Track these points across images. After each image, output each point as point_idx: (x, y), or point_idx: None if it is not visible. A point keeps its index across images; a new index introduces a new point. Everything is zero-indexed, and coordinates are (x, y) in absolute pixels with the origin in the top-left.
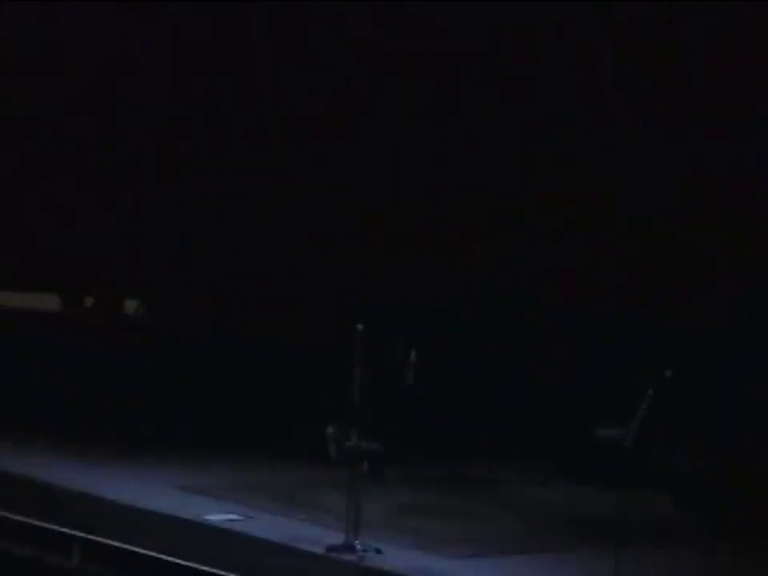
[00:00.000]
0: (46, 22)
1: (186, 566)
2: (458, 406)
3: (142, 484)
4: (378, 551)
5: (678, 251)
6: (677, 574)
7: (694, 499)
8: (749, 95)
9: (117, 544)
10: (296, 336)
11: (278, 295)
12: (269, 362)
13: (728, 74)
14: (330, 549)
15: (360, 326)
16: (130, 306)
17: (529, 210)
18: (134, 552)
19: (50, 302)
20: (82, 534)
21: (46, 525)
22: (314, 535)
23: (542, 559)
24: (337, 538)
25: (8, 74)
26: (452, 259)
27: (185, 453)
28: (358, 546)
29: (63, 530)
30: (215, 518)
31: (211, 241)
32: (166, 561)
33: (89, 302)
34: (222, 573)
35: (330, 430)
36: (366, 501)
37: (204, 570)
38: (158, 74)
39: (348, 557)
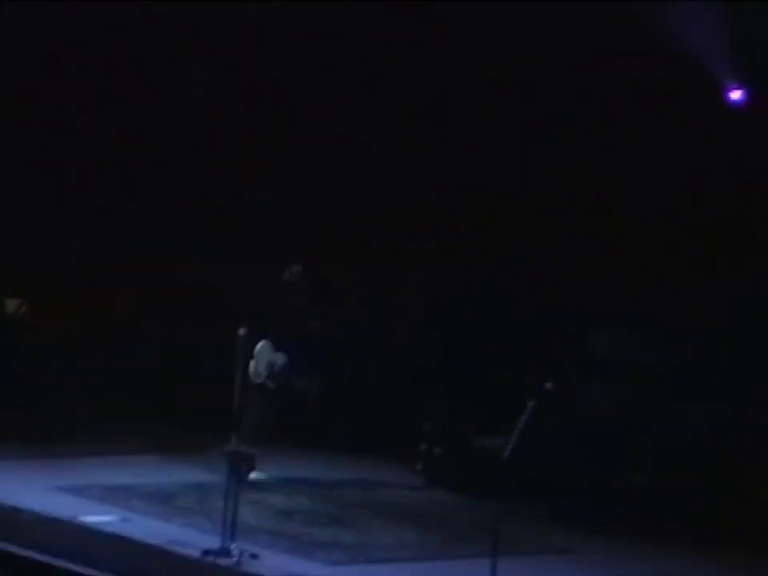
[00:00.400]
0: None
1: (61, 567)
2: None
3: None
4: (254, 556)
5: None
6: None
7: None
8: None
9: None
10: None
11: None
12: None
13: None
14: (206, 553)
15: (242, 330)
16: (11, 305)
17: None
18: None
19: None
20: None
21: None
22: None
23: (416, 567)
24: (213, 543)
25: None
26: None
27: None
28: (234, 551)
29: None
30: (92, 519)
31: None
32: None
33: None
34: (97, 574)
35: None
36: (245, 504)
37: (79, 572)
38: None
39: (224, 561)
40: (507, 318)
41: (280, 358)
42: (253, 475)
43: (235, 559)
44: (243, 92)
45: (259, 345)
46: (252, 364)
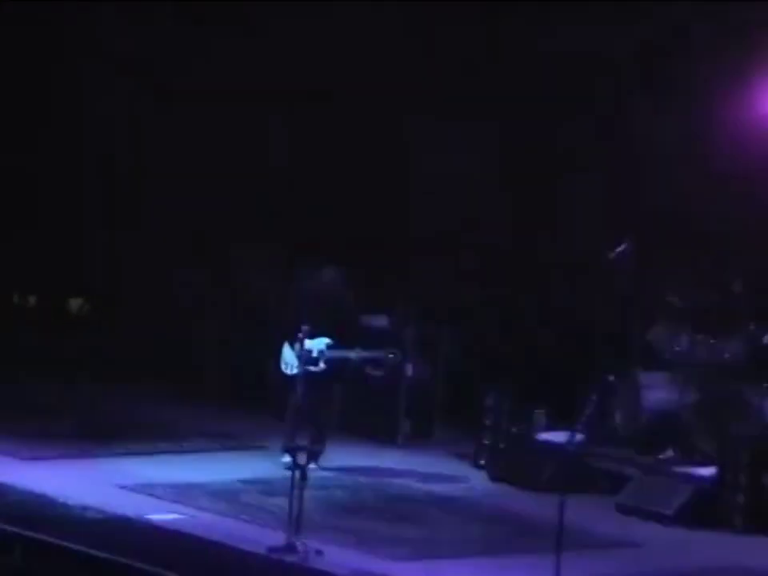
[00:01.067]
0: None
1: (127, 564)
2: None
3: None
4: (319, 552)
5: None
6: None
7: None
8: None
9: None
10: None
11: None
12: None
13: None
14: (272, 550)
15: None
16: (75, 304)
17: None
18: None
19: None
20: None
21: None
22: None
23: (481, 563)
24: (278, 539)
25: None
26: None
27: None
28: (299, 547)
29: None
30: (158, 517)
31: None
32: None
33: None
34: (162, 572)
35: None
36: (309, 500)
37: (146, 570)
38: None
39: (289, 557)
40: (571, 311)
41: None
42: (312, 466)
43: (300, 555)
44: None
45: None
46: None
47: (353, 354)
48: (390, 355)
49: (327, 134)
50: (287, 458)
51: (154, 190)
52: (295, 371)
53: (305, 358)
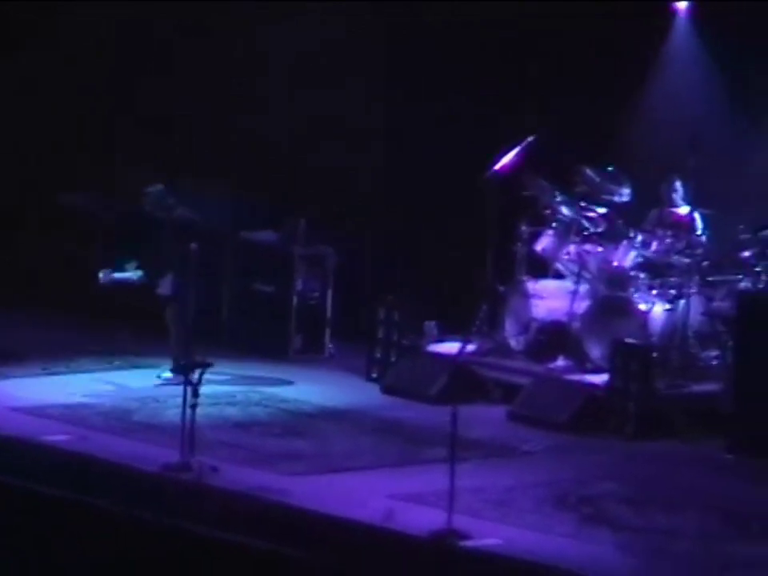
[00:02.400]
0: None
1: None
2: None
3: None
4: (214, 469)
5: None
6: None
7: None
8: None
9: None
10: None
11: None
12: None
13: None
14: (166, 468)
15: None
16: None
17: None
18: None
19: None
20: None
21: None
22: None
23: (375, 474)
24: (173, 457)
25: None
26: None
27: None
28: (194, 465)
29: None
30: (51, 438)
31: None
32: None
33: None
34: (56, 492)
35: None
36: (201, 417)
37: (38, 491)
38: None
39: (184, 475)
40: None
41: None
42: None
43: (195, 473)
44: None
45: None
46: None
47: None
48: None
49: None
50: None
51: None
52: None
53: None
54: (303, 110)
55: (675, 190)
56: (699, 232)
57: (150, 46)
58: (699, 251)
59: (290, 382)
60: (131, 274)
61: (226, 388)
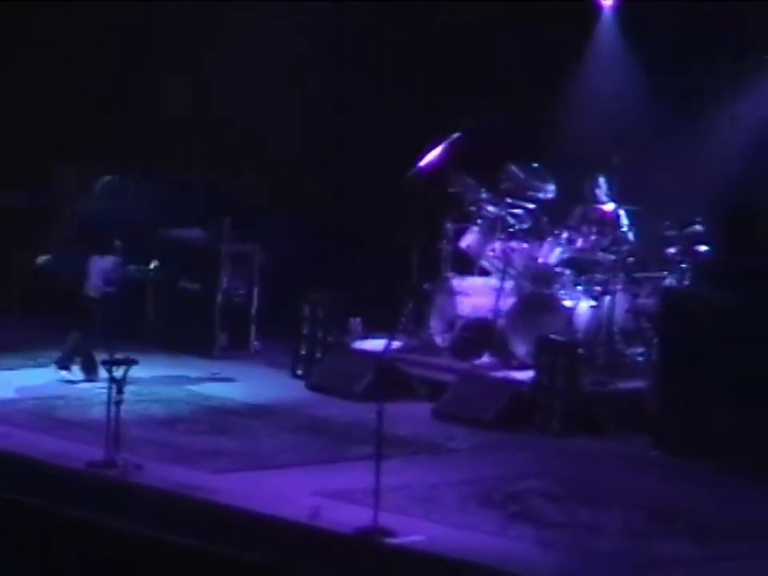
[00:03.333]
0: None
1: None
2: None
3: None
4: (139, 467)
5: None
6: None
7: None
8: None
9: None
10: None
11: None
12: None
13: None
14: (91, 465)
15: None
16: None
17: None
18: None
19: None
20: None
21: None
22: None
23: (299, 472)
24: (97, 454)
25: None
26: None
27: None
28: (119, 462)
29: None
30: None
31: None
32: None
33: None
34: None
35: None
36: (126, 414)
37: None
38: None
39: (109, 472)
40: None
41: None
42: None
43: (120, 470)
44: None
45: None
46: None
47: None
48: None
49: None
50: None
51: None
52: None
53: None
54: (227, 109)
55: (599, 187)
56: (624, 229)
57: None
58: (624, 248)
59: (215, 380)
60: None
61: (151, 385)
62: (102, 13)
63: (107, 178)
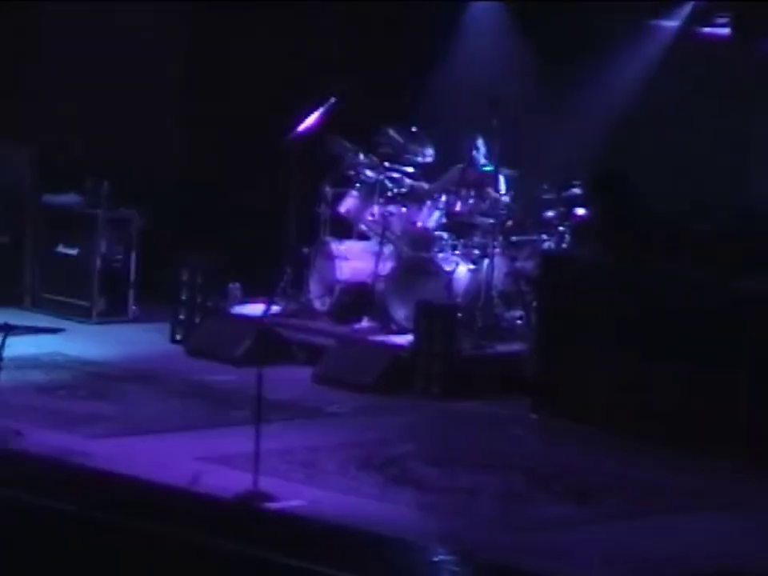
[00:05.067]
0: None
1: None
2: None
3: None
4: (18, 433)
5: None
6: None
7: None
8: None
9: None
10: None
11: None
12: None
13: None
14: None
15: None
16: None
17: None
18: None
19: None
20: None
21: None
22: None
23: (180, 437)
24: None
25: None
26: None
27: None
28: None
29: None
30: None
31: None
32: None
33: None
34: None
35: None
36: (4, 381)
37: None
38: None
39: None
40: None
41: None
42: None
43: None
44: None
45: None
46: None
47: None
48: None
49: None
50: None
51: None
52: None
53: None
54: (104, 67)
55: (477, 149)
56: (503, 191)
57: None
58: (503, 211)
59: (94, 345)
60: None
61: (31, 351)
62: None
63: None
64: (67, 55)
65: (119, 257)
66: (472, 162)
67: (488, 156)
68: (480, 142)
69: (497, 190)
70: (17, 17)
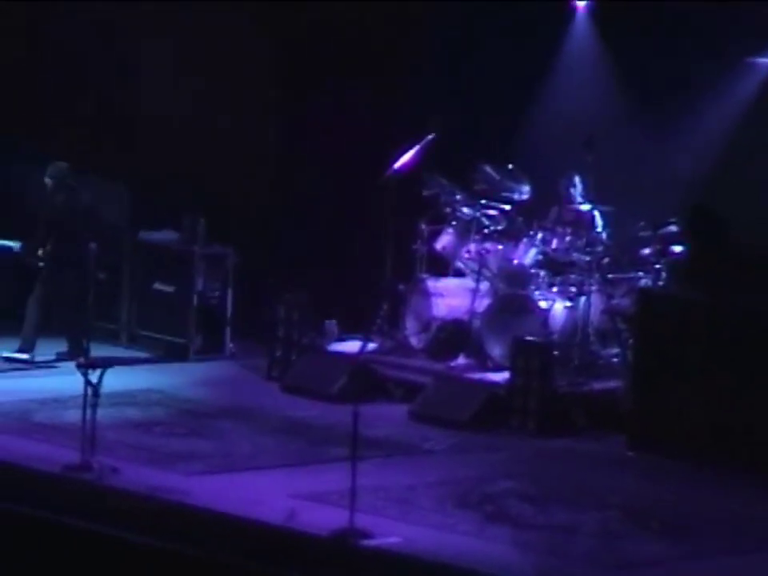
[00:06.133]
0: None
1: None
2: None
3: None
4: (115, 470)
5: None
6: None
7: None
8: None
9: None
10: None
11: None
12: None
13: None
14: (67, 468)
15: None
16: None
17: None
18: None
19: None
20: None
21: None
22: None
23: (277, 474)
24: (73, 457)
25: None
26: None
27: None
28: (95, 465)
29: None
30: None
31: None
32: None
33: None
34: None
35: None
36: (102, 418)
37: None
38: None
39: (85, 476)
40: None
41: None
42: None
43: (96, 473)
44: None
45: None
46: None
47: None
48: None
49: None
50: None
51: None
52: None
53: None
54: (201, 111)
55: (574, 186)
56: (599, 229)
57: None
58: (599, 248)
59: (190, 383)
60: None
61: (127, 388)
62: None
63: (61, 163)
64: (164, 94)
65: (216, 293)
66: (569, 200)
67: (584, 193)
68: (577, 179)
69: (593, 227)
70: (116, 52)
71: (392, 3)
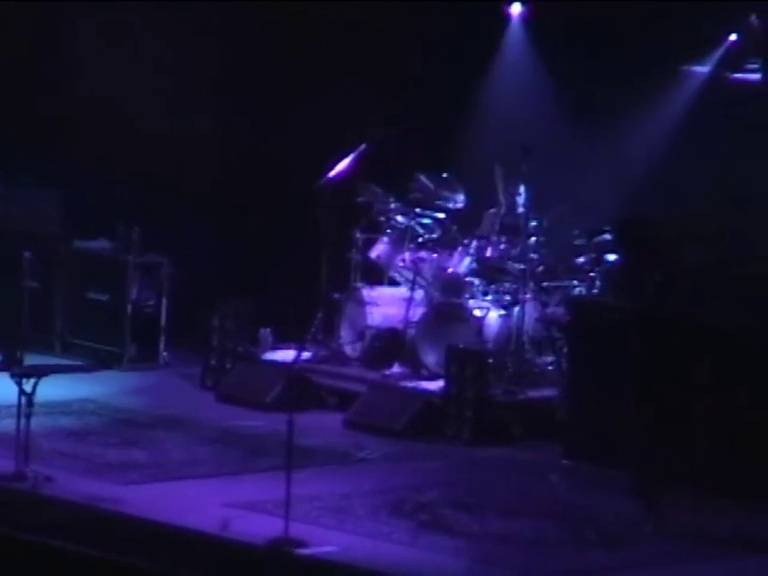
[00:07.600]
0: None
1: None
2: None
3: None
4: (49, 479)
5: None
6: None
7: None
8: None
9: None
10: None
11: None
12: None
13: None
14: (1, 477)
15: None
16: None
17: None
18: None
19: None
20: None
21: None
22: None
23: (212, 483)
24: (7, 466)
25: None
26: None
27: None
28: (29, 474)
29: None
30: None
31: None
32: None
33: None
34: None
35: None
36: (36, 427)
37: None
38: None
39: (19, 485)
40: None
41: None
42: None
43: (30, 482)
44: None
45: None
46: None
47: None
48: None
49: None
50: None
51: None
52: None
53: None
54: (137, 109)
55: (519, 194)
56: (534, 238)
57: None
58: (534, 257)
59: (124, 391)
60: None
61: (61, 397)
62: None
63: None
64: (99, 94)
65: (150, 302)
66: (511, 207)
67: (527, 203)
68: (522, 188)
69: (528, 236)
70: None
71: (317, 10)
